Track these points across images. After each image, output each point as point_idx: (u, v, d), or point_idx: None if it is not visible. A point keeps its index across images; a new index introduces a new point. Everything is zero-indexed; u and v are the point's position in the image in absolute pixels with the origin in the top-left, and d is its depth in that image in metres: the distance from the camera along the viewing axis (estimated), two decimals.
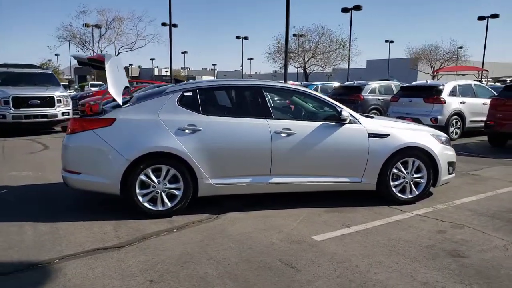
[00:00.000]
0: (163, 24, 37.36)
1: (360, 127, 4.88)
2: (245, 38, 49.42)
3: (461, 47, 47.86)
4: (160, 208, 4.47)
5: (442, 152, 5.15)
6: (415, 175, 5.05)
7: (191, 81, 5.22)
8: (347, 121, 4.80)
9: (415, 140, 5.00)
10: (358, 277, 3.17)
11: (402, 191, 5.06)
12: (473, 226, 4.30)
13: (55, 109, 11.79)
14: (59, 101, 11.95)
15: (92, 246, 3.72)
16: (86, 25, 36.51)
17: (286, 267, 3.32)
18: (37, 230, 4.10)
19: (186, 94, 4.67)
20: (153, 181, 4.43)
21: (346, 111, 4.81)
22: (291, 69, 38.98)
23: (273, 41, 45.82)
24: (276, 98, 5.03)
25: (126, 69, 58.82)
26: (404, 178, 5.02)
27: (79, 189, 4.59)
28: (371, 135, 4.88)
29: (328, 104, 5.00)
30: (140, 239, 3.89)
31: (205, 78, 72.51)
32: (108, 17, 36.38)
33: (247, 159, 4.62)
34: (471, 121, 11.19)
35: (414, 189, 5.08)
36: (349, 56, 31.76)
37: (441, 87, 10.96)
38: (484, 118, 11.14)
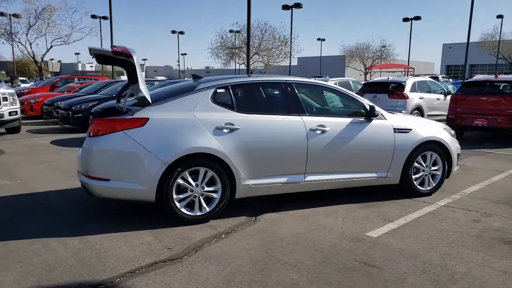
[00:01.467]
0: (93, 16, 35.28)
1: (387, 122, 4.95)
2: (181, 33, 48.24)
3: (384, 46, 51.20)
4: (198, 213, 4.17)
5: (453, 144, 5.41)
6: (432, 168, 5.25)
7: (218, 76, 4.91)
8: (378, 116, 4.86)
9: (433, 134, 5.19)
10: (442, 271, 3.20)
11: (421, 183, 5.23)
12: (500, 214, 4.56)
13: (1, 108, 10.53)
14: (5, 99, 10.69)
15: (147, 260, 3.35)
16: (2, 14, 33.21)
17: (368, 267, 3.26)
18: (68, 247, 3.60)
19: (219, 91, 4.39)
20: (191, 184, 4.11)
21: (377, 107, 4.85)
22: (233, 65, 38.94)
23: (215, 36, 45.27)
24: (305, 94, 4.90)
25: (46, 63, 54.37)
26: (423, 171, 5.20)
27: (106, 197, 4.13)
28: (396, 130, 4.98)
29: (356, 100, 5.01)
30: (194, 249, 3.59)
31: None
32: (38, 6, 33.40)
33: (283, 157, 4.47)
34: (428, 115, 11.95)
35: (431, 181, 5.28)
36: (290, 53, 32.44)
37: (403, 83, 11.57)
38: (438, 112, 11.98)
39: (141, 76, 4.10)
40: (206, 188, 4.18)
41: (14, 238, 3.79)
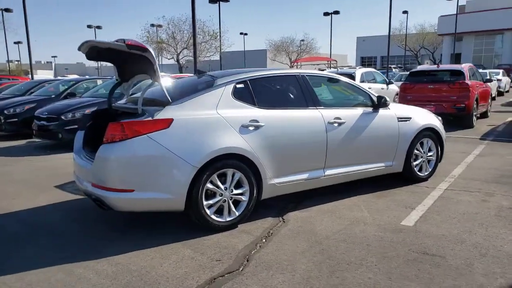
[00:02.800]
0: None
1: (391, 112, 5.03)
2: (98, 27, 45.23)
3: (303, 40, 53.04)
4: (228, 218, 3.86)
5: (443, 130, 5.68)
6: (428, 154, 5.46)
7: (231, 70, 4.56)
8: (387, 106, 4.91)
9: (429, 121, 5.39)
10: (497, 253, 3.30)
11: (420, 169, 5.41)
12: (500, 193, 4.87)
13: None
14: None
15: (203, 277, 3.00)
16: None
17: (429, 256, 3.25)
18: (100, 272, 3.10)
19: (238, 86, 4.09)
20: (220, 188, 3.79)
21: (387, 97, 4.90)
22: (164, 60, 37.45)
23: (141, 31, 42.86)
24: (316, 87, 4.76)
25: None
26: (422, 157, 5.38)
27: (127, 211, 3.64)
28: (399, 119, 5.08)
29: (363, 91, 5.01)
30: (244, 257, 3.30)
31: (40, 72, 63.05)
32: None
33: (306, 153, 4.32)
34: None
35: (428, 166, 5.49)
36: (220, 47, 32.02)
37: (353, 74, 11.98)
38: None
39: (159, 72, 3.67)
40: (235, 191, 3.89)
41: (25, 269, 3.18)
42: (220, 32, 31.40)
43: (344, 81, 4.98)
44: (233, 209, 3.88)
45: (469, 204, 4.47)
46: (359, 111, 4.77)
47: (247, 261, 3.24)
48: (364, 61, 67.58)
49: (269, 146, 4.02)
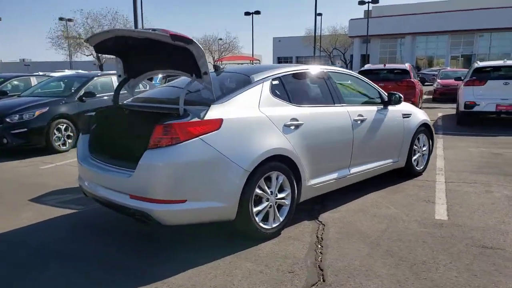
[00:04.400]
0: None
1: (397, 108, 5.10)
2: None
3: (220, 39, 52.98)
4: (274, 225, 3.58)
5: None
6: (423, 148, 5.66)
7: (258, 66, 4.22)
8: (400, 103, 4.96)
9: (424, 117, 5.59)
10: None
11: (417, 164, 5.58)
12: (496, 184, 5.20)
13: None
14: None
15: None
16: None
17: (490, 250, 3.30)
18: None
19: (274, 82, 3.81)
20: (266, 193, 3.49)
21: (400, 94, 4.95)
22: (80, 57, 34.44)
23: (55, 24, 38.69)
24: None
25: None
26: (418, 152, 5.56)
27: (177, 224, 3.16)
28: (403, 115, 5.18)
29: (374, 88, 5.01)
30: (315, 266, 3.06)
31: None
32: None
33: (337, 151, 4.19)
34: None
35: (423, 160, 5.70)
36: None
37: None
38: None
39: (206, 67, 3.25)
40: (279, 195, 3.61)
41: None
42: (143, 28, 29.88)
43: (359, 78, 4.93)
44: (278, 214, 3.61)
45: (478, 196, 4.70)
46: (374, 107, 4.76)
47: (322, 270, 3.01)
48: (281, 61, 69.64)
49: (307, 146, 3.80)
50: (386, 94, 5.00)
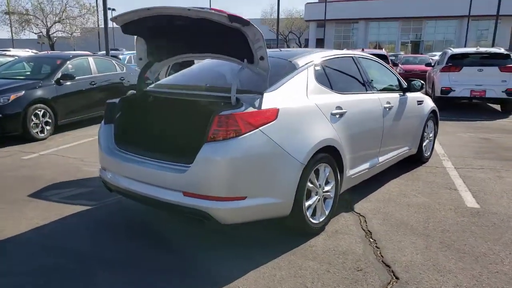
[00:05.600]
0: None
1: (413, 95, 5.06)
2: None
3: None
4: (321, 219, 3.42)
5: None
6: (430, 134, 5.71)
7: (291, 50, 3.94)
8: (420, 90, 4.91)
9: (432, 103, 5.61)
10: None
11: (425, 150, 5.62)
12: (503, 169, 5.37)
13: None
14: None
15: None
16: None
17: None
18: None
19: (316, 68, 3.59)
20: (316, 186, 3.31)
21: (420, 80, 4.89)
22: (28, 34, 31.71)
23: None
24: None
25: None
26: (427, 138, 5.60)
27: (235, 223, 2.89)
28: (418, 102, 5.16)
29: (393, 73, 4.92)
30: (378, 262, 2.95)
31: None
32: None
33: (371, 140, 4.07)
34: None
35: (430, 146, 5.75)
36: (98, 22, 28.68)
37: None
38: None
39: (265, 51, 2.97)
40: (325, 188, 3.45)
41: None
42: (97, 6, 28.15)
43: (382, 64, 4.82)
44: (324, 208, 3.45)
45: (494, 182, 4.79)
46: (397, 95, 4.68)
47: (388, 266, 2.90)
48: None
49: (349, 135, 3.65)
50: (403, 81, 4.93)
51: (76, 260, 2.97)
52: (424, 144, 5.47)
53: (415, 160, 5.48)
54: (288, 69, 3.39)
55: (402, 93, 4.82)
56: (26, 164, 5.57)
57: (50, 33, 29.14)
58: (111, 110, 3.52)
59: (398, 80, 4.92)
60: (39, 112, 6.97)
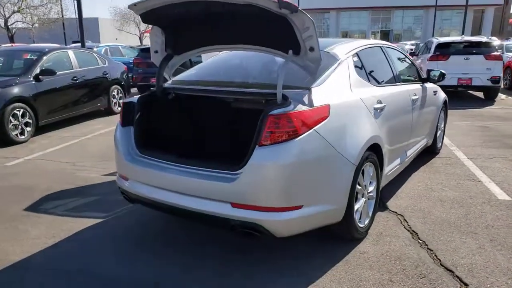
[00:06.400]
0: None
1: (429, 85, 4.89)
2: None
3: (135, 4, 49.10)
4: (365, 222, 3.18)
5: None
6: (441, 125, 5.58)
7: (330, 39, 3.61)
8: (441, 81, 4.73)
9: (444, 94, 5.48)
10: None
11: (438, 141, 5.49)
12: (504, 155, 5.33)
13: None
14: None
15: None
16: None
17: None
18: None
19: (354, 59, 3.31)
20: (363, 188, 3.06)
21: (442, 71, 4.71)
22: None
23: None
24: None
25: None
26: (439, 129, 5.47)
27: (291, 235, 2.59)
28: (433, 92, 5.01)
29: (413, 64, 4.71)
30: (439, 267, 2.74)
31: None
32: None
33: (403, 134, 3.86)
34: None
35: (441, 137, 5.63)
36: (62, 12, 27.14)
37: None
38: None
39: (316, 40, 2.65)
40: (369, 189, 3.21)
41: None
42: None
43: (402, 52, 4.59)
44: (368, 210, 3.21)
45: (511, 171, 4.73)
46: (418, 86, 4.49)
47: (450, 271, 2.70)
48: None
49: (387, 130, 3.42)
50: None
51: (103, 286, 2.59)
52: (438, 135, 5.33)
53: (429, 152, 5.35)
54: (327, 60, 3.09)
55: (422, 84, 4.63)
56: (12, 171, 5.03)
57: (8, 24, 27.31)
58: (128, 110, 3.11)
59: (417, 70, 4.73)
60: (17, 112, 6.36)
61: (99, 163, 5.29)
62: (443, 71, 4.70)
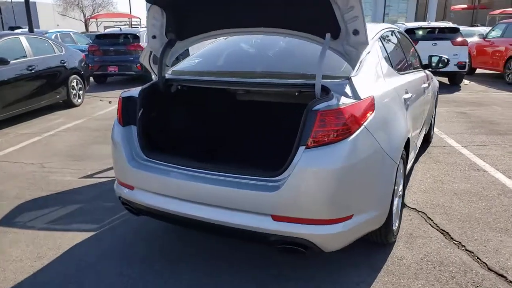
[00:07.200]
0: None
1: (428, 72, 4.70)
2: None
3: None
4: (397, 224, 2.92)
5: None
6: (434, 112, 5.46)
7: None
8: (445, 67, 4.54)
9: (437, 80, 5.35)
10: None
11: (432, 129, 5.38)
12: (506, 144, 5.31)
13: None
14: None
15: None
16: None
17: None
18: None
19: (380, 44, 3.00)
20: (398, 188, 2.79)
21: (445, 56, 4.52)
22: None
23: None
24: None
25: None
26: (433, 117, 5.34)
27: (338, 249, 2.25)
28: (431, 79, 4.84)
29: (416, 49, 4.49)
30: (488, 271, 2.54)
31: None
32: None
33: (418, 125, 3.64)
34: None
35: (433, 125, 5.52)
36: None
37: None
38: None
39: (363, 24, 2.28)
40: (399, 188, 2.94)
41: None
42: None
43: (407, 37, 4.34)
44: (398, 210, 2.95)
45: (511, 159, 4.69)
46: (423, 72, 4.28)
47: (501, 276, 2.50)
48: None
49: (410, 123, 3.17)
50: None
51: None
52: (433, 123, 5.22)
53: (423, 140, 5.22)
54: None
55: (424, 70, 4.44)
56: None
57: None
58: (129, 106, 2.62)
59: (418, 56, 4.52)
60: None
61: (71, 163, 4.69)
62: (445, 57, 4.51)
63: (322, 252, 2.18)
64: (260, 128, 3.07)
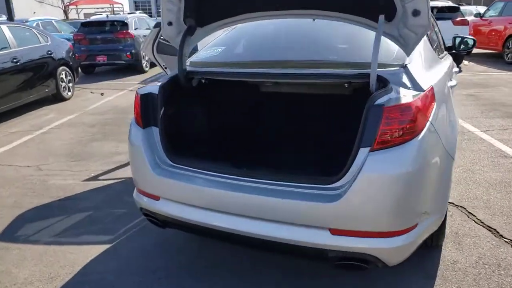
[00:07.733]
0: None
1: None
2: None
3: None
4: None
5: None
6: None
7: None
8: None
9: None
10: None
11: None
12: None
13: None
14: None
15: None
16: None
17: None
18: None
19: None
20: None
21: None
22: None
23: None
24: None
25: None
26: None
27: (401, 261, 1.98)
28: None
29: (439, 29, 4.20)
30: None
31: None
32: None
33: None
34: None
35: None
36: None
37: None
38: None
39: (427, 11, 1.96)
40: None
41: None
42: None
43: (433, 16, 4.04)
44: None
45: None
46: (450, 56, 4.00)
47: None
48: (138, 6, 63.40)
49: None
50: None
51: None
52: None
53: None
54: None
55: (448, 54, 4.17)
56: None
57: None
58: (148, 105, 2.29)
59: (441, 37, 4.24)
60: None
61: (70, 164, 4.33)
62: (472, 38, 4.23)
63: (385, 266, 1.91)
64: (298, 126, 2.77)
